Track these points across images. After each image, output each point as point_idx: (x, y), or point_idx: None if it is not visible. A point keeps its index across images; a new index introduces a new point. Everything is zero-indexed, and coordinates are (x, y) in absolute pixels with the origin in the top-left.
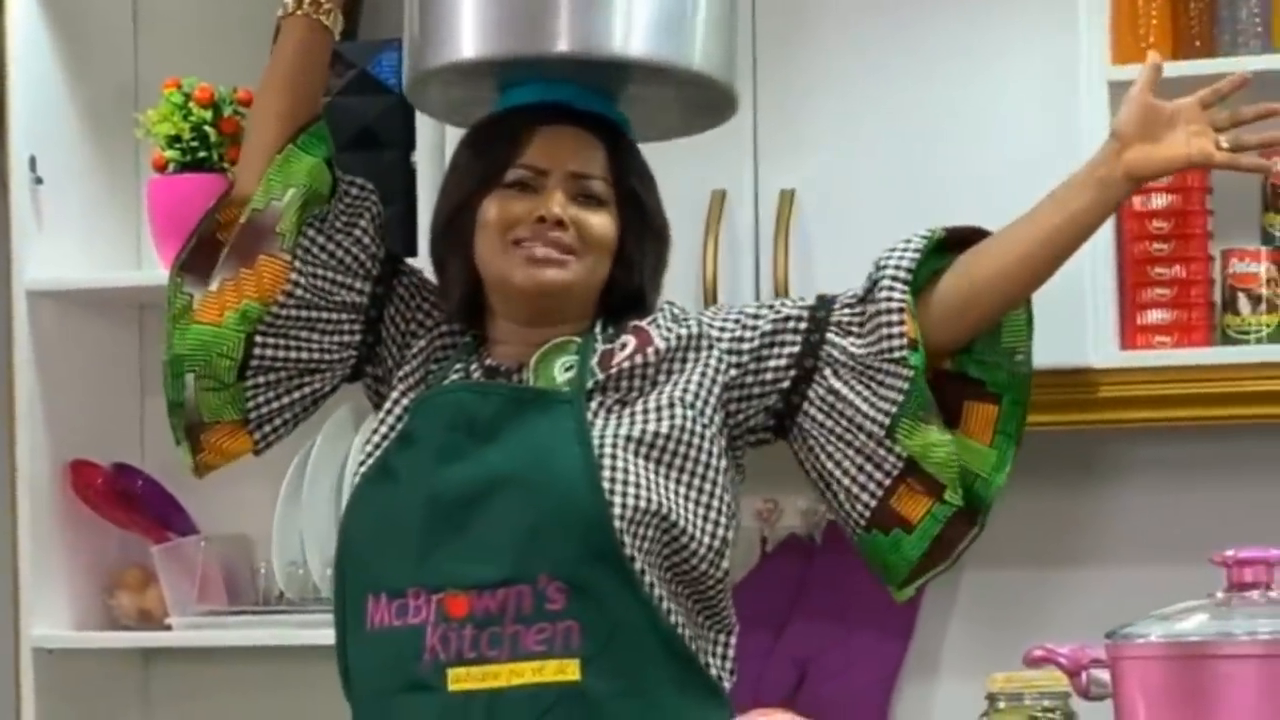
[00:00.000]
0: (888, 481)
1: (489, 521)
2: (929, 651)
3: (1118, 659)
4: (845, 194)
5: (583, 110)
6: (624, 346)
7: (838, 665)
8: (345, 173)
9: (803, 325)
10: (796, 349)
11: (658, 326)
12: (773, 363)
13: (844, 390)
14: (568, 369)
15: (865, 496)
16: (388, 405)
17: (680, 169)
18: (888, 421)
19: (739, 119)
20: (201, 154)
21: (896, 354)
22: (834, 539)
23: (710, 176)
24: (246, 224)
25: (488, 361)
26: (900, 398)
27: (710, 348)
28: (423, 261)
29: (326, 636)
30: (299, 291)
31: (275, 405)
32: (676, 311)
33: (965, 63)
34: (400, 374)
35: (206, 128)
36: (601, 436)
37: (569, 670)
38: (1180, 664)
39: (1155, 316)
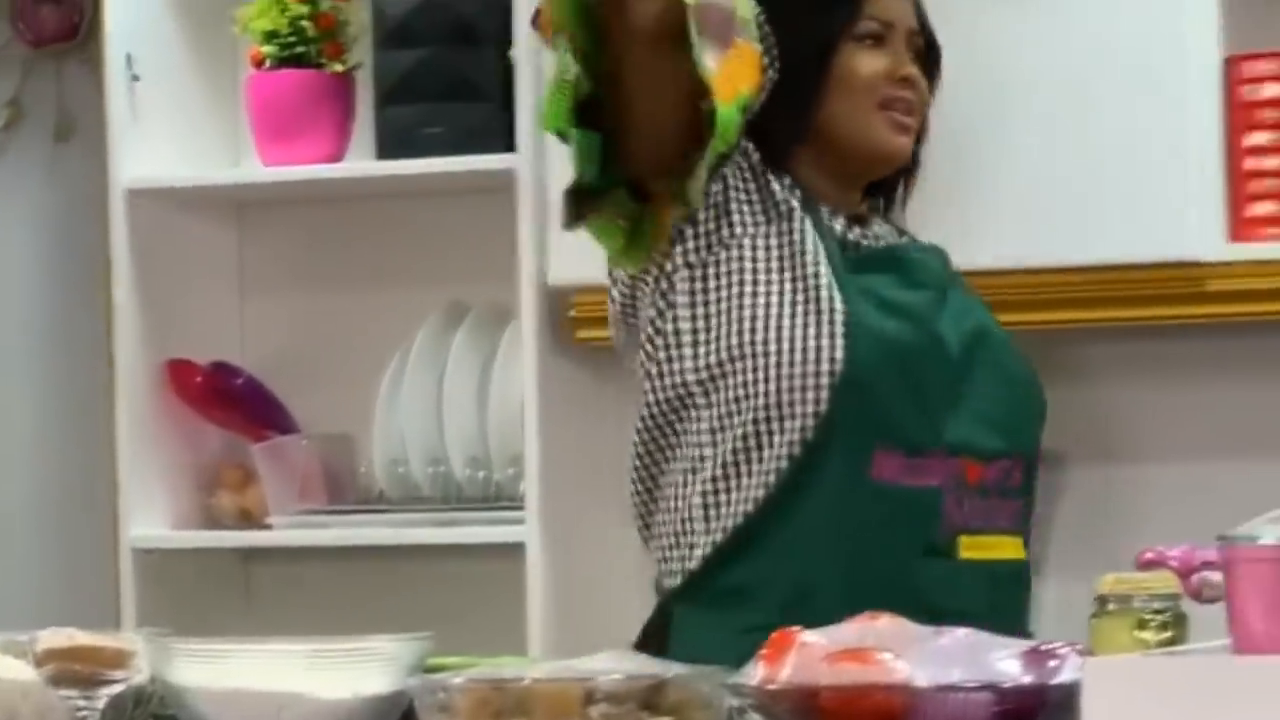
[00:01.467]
0: None
1: (986, 385)
2: (1033, 554)
3: (1232, 562)
4: None
5: None
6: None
7: None
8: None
9: None
10: None
11: None
12: None
13: None
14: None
15: None
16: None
17: None
18: None
19: None
20: (299, 49)
21: None
22: None
23: None
24: (702, 6)
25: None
26: None
27: None
28: (522, 158)
29: (429, 535)
30: (766, 84)
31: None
32: None
33: None
34: (748, 203)
35: (303, 22)
36: None
37: (1019, 548)
38: None
39: (1264, 209)
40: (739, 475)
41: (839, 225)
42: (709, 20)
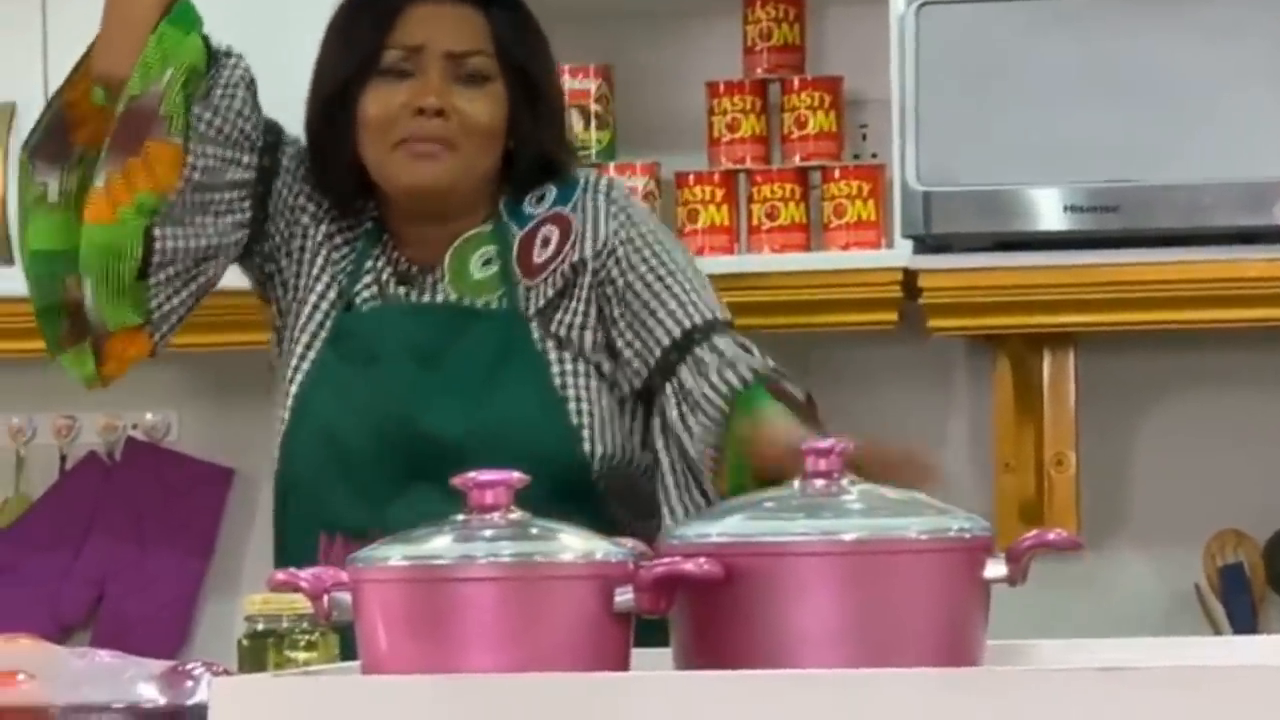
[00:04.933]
0: None
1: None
2: (231, 568)
3: (359, 582)
4: None
5: None
6: (546, 243)
7: (136, 583)
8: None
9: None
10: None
11: (581, 213)
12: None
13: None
14: (485, 262)
15: None
16: (309, 311)
17: None
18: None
19: (30, 31)
20: None
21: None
22: (133, 456)
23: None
24: (126, 113)
25: (397, 259)
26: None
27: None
28: None
29: None
30: (196, 175)
31: (174, 301)
32: (613, 198)
33: None
34: (313, 272)
35: None
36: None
37: None
38: (422, 587)
39: None
40: None
41: (386, 277)
42: (126, 128)
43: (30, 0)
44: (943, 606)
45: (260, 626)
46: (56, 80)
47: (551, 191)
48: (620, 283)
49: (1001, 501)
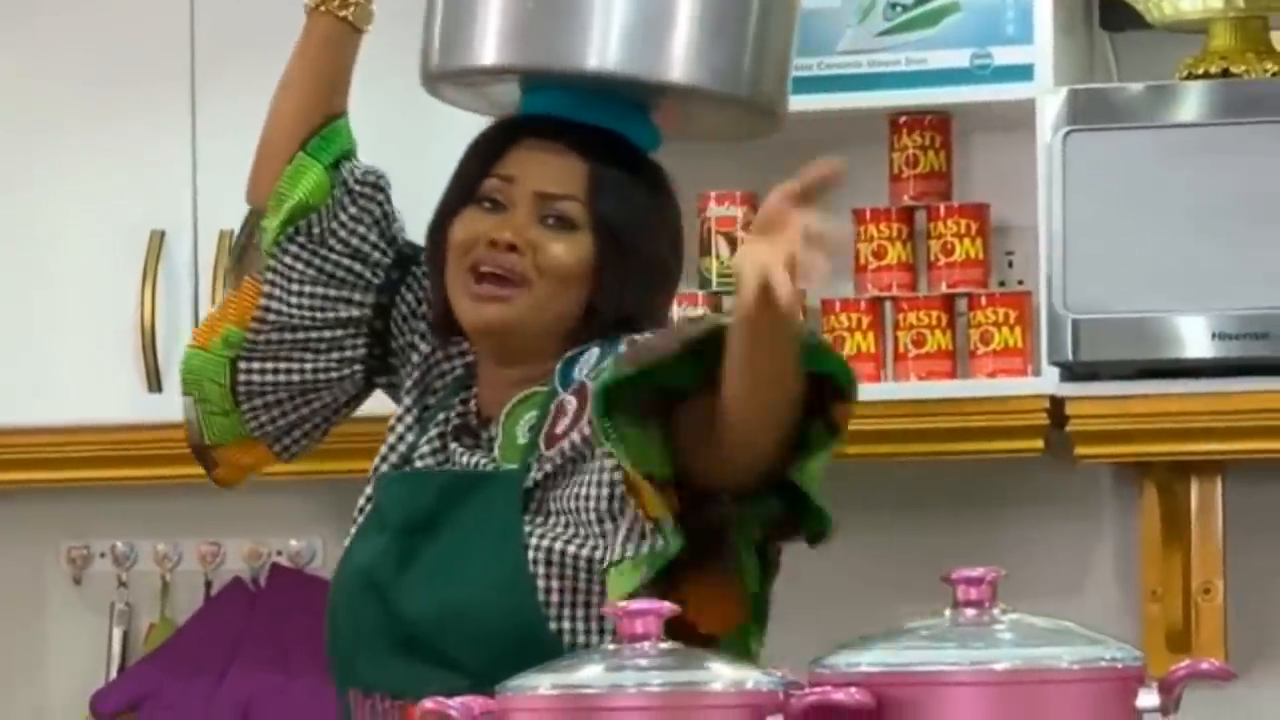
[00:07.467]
0: None
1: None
2: None
3: (507, 710)
4: None
5: (584, 123)
6: (563, 411)
7: (281, 710)
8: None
9: None
10: None
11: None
12: None
13: None
14: (530, 426)
15: None
16: (392, 439)
17: (118, 204)
18: None
19: (180, 158)
20: None
21: None
22: (278, 582)
23: (149, 216)
24: (258, 242)
25: (471, 407)
26: None
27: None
28: None
29: None
30: (271, 316)
31: (283, 422)
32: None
33: None
34: (405, 403)
35: None
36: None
37: None
38: (571, 716)
39: None
40: None
41: (451, 428)
42: (250, 258)
43: (180, 129)
44: None
45: None
46: (206, 207)
47: (594, 354)
48: None
49: (1149, 630)
